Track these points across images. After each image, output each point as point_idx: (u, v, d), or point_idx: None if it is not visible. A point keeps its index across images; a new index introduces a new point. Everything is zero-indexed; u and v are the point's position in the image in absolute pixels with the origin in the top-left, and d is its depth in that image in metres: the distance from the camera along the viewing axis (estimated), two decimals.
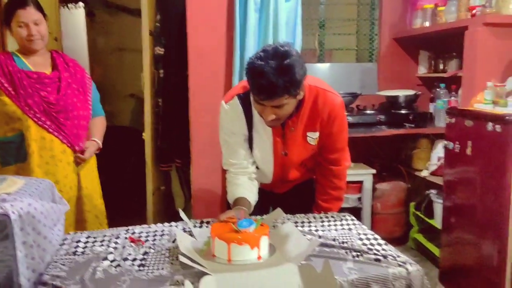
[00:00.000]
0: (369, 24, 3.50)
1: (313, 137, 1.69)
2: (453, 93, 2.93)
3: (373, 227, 3.05)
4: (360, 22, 3.56)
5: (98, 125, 2.22)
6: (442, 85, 3.01)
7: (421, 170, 3.07)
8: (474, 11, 2.49)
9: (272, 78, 1.38)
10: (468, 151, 2.21)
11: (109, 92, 4.86)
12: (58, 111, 1.97)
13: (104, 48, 4.76)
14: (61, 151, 2.00)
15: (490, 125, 2.05)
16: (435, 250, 2.75)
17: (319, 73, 3.26)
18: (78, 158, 2.05)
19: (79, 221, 2.09)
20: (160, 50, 2.91)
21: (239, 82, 1.90)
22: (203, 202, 2.77)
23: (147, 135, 2.86)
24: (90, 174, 2.16)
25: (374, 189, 3.07)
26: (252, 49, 2.63)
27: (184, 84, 2.79)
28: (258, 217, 1.57)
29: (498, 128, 2.00)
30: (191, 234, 1.53)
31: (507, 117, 1.96)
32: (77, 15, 4.52)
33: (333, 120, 1.66)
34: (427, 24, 3.01)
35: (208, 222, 1.66)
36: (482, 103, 2.34)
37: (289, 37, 2.71)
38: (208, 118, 2.69)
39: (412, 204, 3.14)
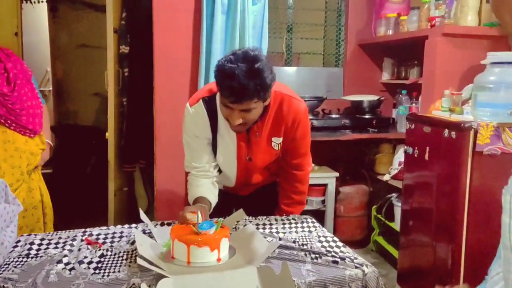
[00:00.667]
0: (336, 30, 3.56)
1: (277, 142, 1.70)
2: (414, 99, 3.03)
3: (336, 230, 3.10)
4: (327, 28, 3.62)
5: (44, 122, 2.19)
6: (404, 91, 3.11)
7: (383, 174, 3.15)
8: (433, 22, 2.58)
9: (243, 81, 1.38)
10: (426, 156, 2.28)
11: (72, 90, 4.75)
12: (13, 102, 1.96)
13: (67, 44, 4.64)
14: (23, 142, 2.00)
15: (446, 132, 2.12)
16: (395, 252, 2.83)
17: (286, 76, 3.29)
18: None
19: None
20: (125, 49, 2.87)
21: (205, 85, 1.88)
22: (166, 203, 2.74)
23: (110, 135, 2.80)
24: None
25: (337, 192, 3.12)
26: (218, 50, 2.62)
27: (149, 84, 2.76)
28: (220, 219, 1.57)
29: (453, 134, 2.08)
30: (151, 236, 1.51)
31: (462, 125, 2.04)
32: (39, 10, 4.39)
33: (297, 126, 1.67)
34: (390, 32, 3.10)
35: (169, 224, 1.65)
36: (440, 110, 2.42)
37: (256, 40, 2.72)
38: (173, 118, 2.66)
39: (374, 207, 3.21)
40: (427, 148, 2.27)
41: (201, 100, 1.63)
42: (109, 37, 2.71)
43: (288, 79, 3.26)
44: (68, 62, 4.66)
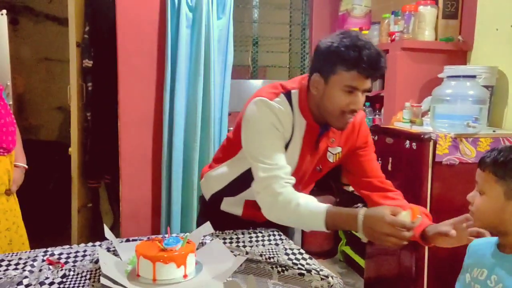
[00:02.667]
0: (301, 43, 3.63)
1: (333, 152, 1.58)
2: (377, 111, 3.11)
3: (304, 242, 3.13)
4: (292, 41, 3.69)
5: (17, 141, 2.10)
6: (367, 103, 3.19)
7: (349, 185, 3.20)
8: (393, 36, 2.67)
9: (376, 48, 1.31)
10: (389, 166, 2.35)
11: (34, 105, 4.62)
12: None
13: (28, 58, 4.52)
14: None
15: (407, 143, 2.20)
16: (362, 262, 2.87)
17: (252, 89, 3.32)
18: (7, 193, 1.97)
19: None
20: (88, 63, 2.83)
21: (262, 88, 1.56)
22: (133, 219, 2.70)
23: (73, 150, 2.74)
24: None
25: None
26: (183, 64, 2.63)
27: (114, 98, 2.73)
28: (186, 234, 1.56)
29: (414, 145, 2.15)
30: (115, 254, 1.48)
31: (422, 136, 2.11)
32: None
33: (358, 131, 1.59)
34: None
35: (134, 240, 1.62)
36: (401, 121, 2.50)
37: (221, 54, 2.75)
38: (138, 132, 2.64)
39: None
40: (390, 158, 2.34)
41: (282, 94, 1.44)
42: (71, 51, 2.67)
43: (254, 92, 3.29)
44: (30, 76, 4.54)
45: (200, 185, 1.81)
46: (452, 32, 2.63)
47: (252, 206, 1.57)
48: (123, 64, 2.67)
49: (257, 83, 3.43)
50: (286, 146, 1.47)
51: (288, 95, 1.46)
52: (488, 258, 1.12)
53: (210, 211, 1.73)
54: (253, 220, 1.69)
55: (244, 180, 1.54)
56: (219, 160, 1.71)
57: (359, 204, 3.05)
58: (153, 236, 1.49)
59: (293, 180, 1.42)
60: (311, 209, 1.32)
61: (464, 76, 2.19)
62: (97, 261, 1.42)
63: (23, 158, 2.12)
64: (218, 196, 1.71)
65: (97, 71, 2.85)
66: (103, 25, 2.84)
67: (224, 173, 1.65)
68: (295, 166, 1.51)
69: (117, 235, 1.70)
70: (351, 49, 1.29)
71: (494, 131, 2.24)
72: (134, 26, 2.68)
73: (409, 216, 1.18)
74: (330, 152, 1.58)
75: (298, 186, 1.53)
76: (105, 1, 2.93)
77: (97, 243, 1.61)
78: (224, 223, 1.68)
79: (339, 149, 1.60)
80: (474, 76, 2.19)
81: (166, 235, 1.36)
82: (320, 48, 1.38)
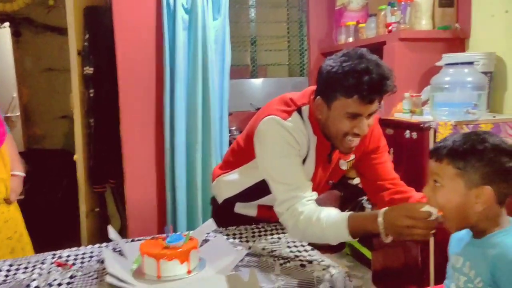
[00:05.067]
0: (299, 40, 3.65)
1: (346, 160, 1.56)
2: (378, 103, 3.11)
3: None
4: (291, 39, 3.71)
5: (12, 152, 2.07)
6: None
7: (353, 178, 3.20)
8: (390, 27, 2.67)
9: (379, 71, 1.26)
10: (391, 157, 2.35)
11: (39, 114, 4.68)
12: None
13: (32, 68, 4.59)
14: None
15: (407, 133, 2.20)
16: (369, 254, 2.87)
17: (253, 88, 3.35)
18: (7, 201, 1.97)
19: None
20: (89, 70, 2.86)
21: (272, 101, 1.53)
22: (138, 220, 2.73)
23: (78, 157, 2.78)
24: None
25: None
26: (182, 66, 2.66)
27: (116, 103, 2.76)
28: (189, 231, 1.58)
29: (414, 135, 2.15)
30: (121, 254, 1.51)
31: (421, 125, 2.11)
32: (2, 35, 4.34)
33: (370, 134, 1.55)
34: (350, 40, 3.19)
35: (139, 240, 1.65)
36: (402, 112, 2.51)
37: (219, 54, 2.77)
38: (140, 135, 2.67)
39: (346, 211, 3.25)
40: (391, 149, 2.34)
41: (295, 112, 1.42)
42: (72, 59, 2.71)
43: (255, 91, 3.32)
44: (34, 86, 4.60)
45: (212, 187, 1.81)
46: (449, 20, 2.62)
47: (266, 208, 1.57)
48: (122, 69, 2.71)
49: (257, 82, 3.45)
50: (303, 161, 1.46)
51: (299, 111, 1.43)
52: (464, 246, 1.11)
53: (224, 212, 1.74)
54: (268, 220, 1.70)
55: (259, 189, 1.54)
56: (230, 164, 1.70)
57: (363, 197, 3.06)
58: (157, 235, 1.52)
59: (314, 195, 1.40)
60: (333, 220, 1.30)
61: (462, 63, 2.18)
62: (103, 261, 1.45)
63: (20, 167, 2.10)
64: (231, 201, 1.71)
65: (98, 78, 2.89)
66: (101, 32, 2.88)
67: (237, 180, 1.64)
68: (310, 179, 1.49)
69: (125, 236, 1.74)
70: (351, 76, 1.25)
71: (494, 116, 2.23)
72: (131, 32, 2.71)
73: (431, 208, 1.13)
74: (343, 161, 1.56)
75: None
76: (103, 8, 2.97)
77: (104, 244, 1.64)
78: (238, 224, 1.69)
79: (352, 156, 1.58)
80: (472, 63, 2.18)
81: (170, 233, 1.38)
82: (322, 72, 1.35)
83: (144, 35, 2.74)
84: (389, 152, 2.33)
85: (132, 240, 1.65)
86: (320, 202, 3.37)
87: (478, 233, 1.07)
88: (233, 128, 3.17)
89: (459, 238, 1.15)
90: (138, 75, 2.74)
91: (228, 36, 2.80)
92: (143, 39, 2.74)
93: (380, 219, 1.20)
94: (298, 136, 1.40)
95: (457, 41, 2.61)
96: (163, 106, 2.72)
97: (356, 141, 1.38)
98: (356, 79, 1.24)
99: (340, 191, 3.31)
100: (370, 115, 1.34)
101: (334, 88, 1.30)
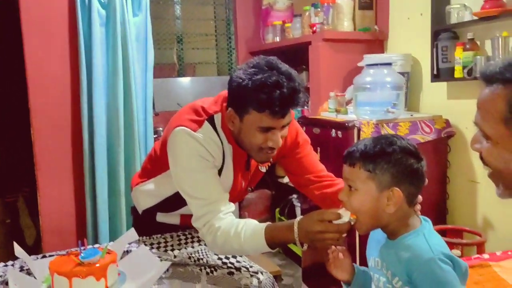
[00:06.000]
0: (227, 39, 3.60)
1: None
2: (305, 102, 3.16)
3: None
4: (218, 37, 3.65)
5: None
6: None
7: (283, 177, 3.23)
8: (314, 28, 2.71)
9: (290, 84, 1.22)
10: (318, 156, 2.38)
11: None
12: None
13: None
14: None
15: (333, 132, 2.24)
16: (300, 252, 2.90)
17: (180, 87, 3.24)
18: None
19: None
20: None
21: (183, 109, 1.47)
22: (55, 232, 2.52)
23: None
24: None
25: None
26: (100, 63, 2.50)
27: (24, 105, 2.52)
28: (106, 244, 1.47)
29: (339, 134, 2.20)
30: (29, 273, 1.36)
31: (346, 124, 2.16)
32: None
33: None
34: (277, 39, 3.20)
35: (51, 256, 1.50)
36: (328, 111, 2.55)
37: (141, 52, 2.65)
38: (55, 139, 2.47)
39: (277, 210, 3.28)
40: (318, 148, 2.37)
41: (206, 122, 1.36)
42: None
43: (183, 90, 3.21)
44: None
45: (131, 197, 1.69)
46: (369, 22, 2.72)
47: (189, 216, 1.49)
48: (31, 66, 2.48)
49: (185, 80, 3.35)
50: (219, 172, 1.40)
51: (211, 120, 1.37)
52: (380, 247, 1.12)
53: (146, 222, 1.62)
54: (192, 227, 1.63)
55: (178, 200, 1.45)
56: (147, 172, 1.60)
57: (293, 195, 3.09)
58: (70, 249, 1.39)
59: (232, 207, 1.36)
60: (250, 233, 1.26)
61: (381, 64, 2.27)
62: (8, 283, 1.30)
63: None
64: (152, 211, 1.60)
65: (1, 74, 2.63)
66: (6, 25, 2.62)
67: (154, 190, 1.55)
68: (229, 189, 1.45)
69: (40, 250, 1.58)
70: (261, 91, 1.22)
71: (411, 115, 2.34)
72: (40, 25, 2.49)
73: (344, 212, 1.12)
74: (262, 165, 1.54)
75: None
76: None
77: (10, 262, 1.47)
78: (162, 232, 1.59)
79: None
80: (390, 64, 2.27)
81: (83, 248, 1.27)
82: (232, 84, 1.30)
83: (55, 31, 2.53)
84: (316, 151, 2.37)
85: (44, 256, 1.51)
86: (251, 202, 3.35)
87: (391, 234, 1.09)
88: (160, 129, 3.05)
89: (376, 240, 1.16)
90: (50, 73, 2.53)
91: (150, 33, 2.68)
92: (54, 34, 2.53)
93: (295, 228, 1.19)
94: (210, 147, 1.35)
95: (377, 42, 2.71)
96: (80, 106, 2.53)
97: (273, 154, 1.35)
98: (267, 94, 1.22)
99: (270, 190, 3.32)
100: (283, 127, 1.31)
101: (245, 102, 1.26)
